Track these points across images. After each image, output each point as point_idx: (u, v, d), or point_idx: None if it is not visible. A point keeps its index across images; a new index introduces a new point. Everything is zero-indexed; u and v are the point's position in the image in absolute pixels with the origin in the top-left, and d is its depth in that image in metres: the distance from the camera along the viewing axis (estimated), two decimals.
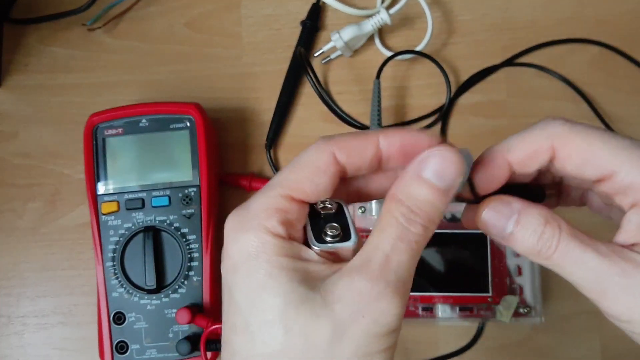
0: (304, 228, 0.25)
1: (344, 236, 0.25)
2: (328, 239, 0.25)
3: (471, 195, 0.26)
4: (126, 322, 0.44)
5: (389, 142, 0.25)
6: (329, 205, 0.25)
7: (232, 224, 0.24)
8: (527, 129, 0.26)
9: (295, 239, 0.25)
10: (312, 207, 0.25)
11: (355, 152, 0.25)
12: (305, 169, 0.25)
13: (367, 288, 0.22)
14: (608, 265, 0.23)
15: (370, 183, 0.27)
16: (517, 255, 0.46)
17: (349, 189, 0.27)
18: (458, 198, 0.26)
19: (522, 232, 0.25)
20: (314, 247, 0.24)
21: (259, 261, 0.23)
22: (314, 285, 0.23)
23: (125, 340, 0.44)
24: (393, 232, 0.23)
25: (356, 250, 0.24)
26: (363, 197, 0.28)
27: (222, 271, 0.24)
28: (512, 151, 0.26)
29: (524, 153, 0.26)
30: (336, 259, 0.25)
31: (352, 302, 0.22)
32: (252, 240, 0.23)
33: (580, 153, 0.25)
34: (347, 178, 0.26)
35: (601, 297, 0.24)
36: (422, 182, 0.24)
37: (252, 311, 0.23)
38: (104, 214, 0.45)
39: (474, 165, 0.26)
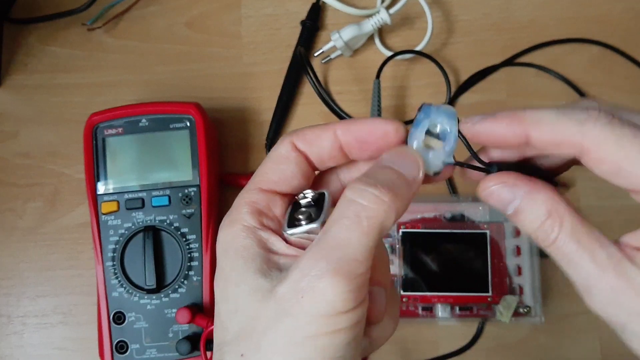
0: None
1: (314, 219, 0.25)
2: (298, 223, 0.25)
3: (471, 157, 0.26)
4: (126, 321, 0.44)
5: (345, 131, 0.26)
6: (310, 196, 0.26)
7: (221, 225, 0.26)
8: (564, 109, 0.24)
9: (270, 228, 0.25)
10: (294, 199, 0.26)
11: (313, 141, 0.26)
12: (270, 160, 0.26)
13: (308, 267, 0.22)
14: (599, 277, 0.23)
15: (351, 175, 0.28)
16: (517, 255, 0.46)
17: (337, 183, 0.28)
18: (460, 164, 0.26)
19: (522, 216, 0.24)
20: (285, 233, 0.25)
21: (227, 254, 0.24)
22: (275, 274, 0.23)
23: (125, 340, 0.44)
24: (339, 210, 0.23)
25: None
26: None
27: None
28: (536, 127, 0.24)
29: (548, 137, 0.24)
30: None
31: (292, 282, 0.22)
32: (225, 235, 0.25)
33: (614, 163, 0.22)
34: (328, 171, 0.28)
35: (586, 295, 0.24)
36: (380, 165, 0.24)
37: (221, 301, 0.24)
38: (104, 214, 0.45)
39: (487, 120, 0.25)
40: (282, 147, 0.26)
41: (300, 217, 0.25)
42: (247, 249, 0.24)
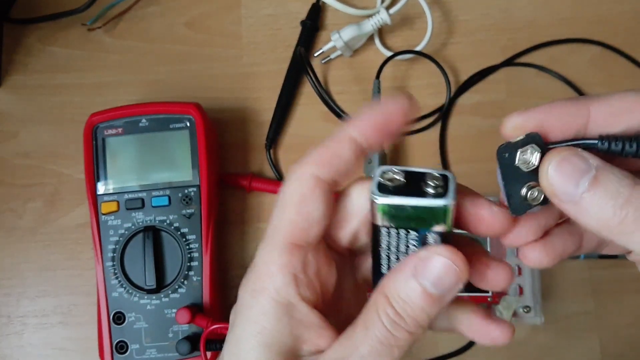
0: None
1: (442, 194, 0.21)
2: (412, 191, 0.21)
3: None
4: (126, 322, 0.44)
5: (362, 131, 0.23)
6: (396, 176, 0.22)
7: (245, 287, 0.24)
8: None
9: (307, 300, 0.23)
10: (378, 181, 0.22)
11: (334, 162, 0.23)
12: (291, 203, 0.23)
13: None
14: None
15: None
16: (517, 255, 0.46)
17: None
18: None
19: (598, 195, 0.20)
20: (375, 197, 0.22)
21: (247, 329, 0.23)
22: None
23: (125, 340, 0.44)
24: (375, 334, 0.21)
25: (445, 211, 0.21)
26: None
27: (230, 316, 0.24)
28: (598, 101, 0.22)
29: (612, 105, 0.22)
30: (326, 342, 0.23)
31: None
32: (250, 306, 0.23)
33: None
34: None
35: None
36: (417, 285, 0.21)
37: None
38: (104, 214, 0.45)
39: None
40: (302, 185, 0.23)
41: (430, 186, 0.21)
42: (274, 336, 0.22)
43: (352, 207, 0.24)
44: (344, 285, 0.25)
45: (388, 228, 0.22)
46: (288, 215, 0.23)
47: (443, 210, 0.21)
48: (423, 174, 0.22)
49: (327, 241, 0.24)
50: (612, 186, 0.20)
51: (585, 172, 0.20)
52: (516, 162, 0.22)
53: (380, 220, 0.22)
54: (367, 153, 0.23)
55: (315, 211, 0.23)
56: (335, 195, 0.24)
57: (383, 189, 0.22)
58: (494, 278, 0.24)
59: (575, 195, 0.20)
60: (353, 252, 0.26)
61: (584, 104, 0.22)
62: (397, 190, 0.22)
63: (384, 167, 0.22)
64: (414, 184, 0.22)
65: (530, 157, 0.22)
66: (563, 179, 0.20)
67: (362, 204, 0.24)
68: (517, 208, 0.23)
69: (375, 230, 0.23)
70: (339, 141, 0.23)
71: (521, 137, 0.22)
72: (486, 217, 0.23)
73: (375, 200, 0.22)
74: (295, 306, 0.22)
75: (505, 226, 0.23)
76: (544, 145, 0.22)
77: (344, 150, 0.23)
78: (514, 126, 0.23)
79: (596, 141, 0.22)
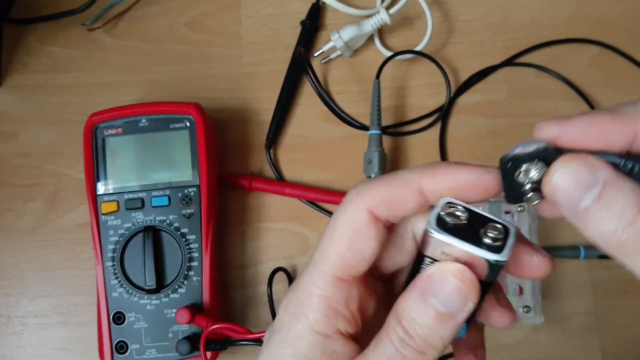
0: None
1: (498, 249, 0.21)
2: (466, 238, 0.21)
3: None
4: (126, 322, 0.44)
5: (433, 188, 0.22)
6: (458, 213, 0.21)
7: (284, 310, 0.24)
8: None
9: (346, 335, 0.23)
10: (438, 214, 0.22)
11: (396, 206, 0.22)
12: (344, 237, 0.22)
13: None
14: None
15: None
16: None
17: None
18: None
19: (601, 211, 0.19)
20: (430, 231, 0.21)
21: (280, 354, 0.23)
22: None
23: (125, 340, 0.44)
24: (384, 352, 0.21)
25: (495, 266, 0.21)
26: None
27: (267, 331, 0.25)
28: (622, 112, 0.20)
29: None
30: None
31: None
32: (286, 330, 0.23)
33: None
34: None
35: None
36: (425, 304, 0.21)
37: None
38: (104, 214, 0.45)
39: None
40: (358, 219, 0.22)
41: (488, 236, 0.21)
42: None
43: (408, 244, 0.24)
44: (382, 308, 0.25)
45: (433, 260, 0.22)
46: (338, 246, 0.22)
47: (495, 265, 0.21)
48: (486, 220, 0.21)
49: (371, 270, 0.24)
50: (617, 206, 0.18)
51: (591, 186, 0.19)
52: (517, 176, 0.21)
53: (429, 252, 0.22)
54: (428, 207, 0.23)
55: (366, 249, 0.22)
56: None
57: (441, 224, 0.21)
58: (496, 319, 0.25)
59: (578, 208, 0.19)
60: (394, 275, 0.26)
61: (632, 121, 0.20)
62: (455, 230, 0.21)
63: (449, 200, 0.22)
64: (473, 227, 0.21)
65: (533, 173, 0.21)
66: (566, 192, 0.19)
67: (417, 242, 0.24)
68: (514, 199, 0.22)
69: (419, 257, 0.23)
70: (409, 188, 0.22)
71: (529, 149, 0.21)
72: (526, 265, 0.23)
73: (430, 235, 0.21)
74: (332, 338, 0.23)
75: (542, 275, 0.23)
76: (554, 155, 0.20)
77: (410, 199, 0.22)
78: (548, 136, 0.21)
79: (618, 159, 0.20)
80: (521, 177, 0.21)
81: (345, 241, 0.22)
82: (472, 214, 0.22)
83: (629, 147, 0.20)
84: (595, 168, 0.19)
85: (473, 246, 0.21)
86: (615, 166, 0.20)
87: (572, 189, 0.19)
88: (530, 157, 0.21)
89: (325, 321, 0.22)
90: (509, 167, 0.21)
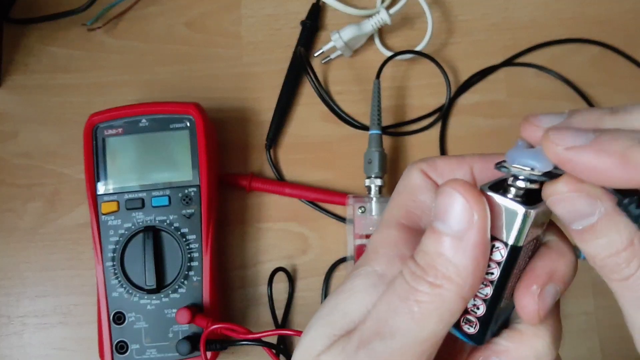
0: None
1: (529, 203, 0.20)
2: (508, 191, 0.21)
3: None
4: (126, 322, 0.44)
5: (482, 170, 0.23)
6: (530, 185, 0.20)
7: (362, 258, 0.24)
8: None
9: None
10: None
11: (445, 174, 0.24)
12: (405, 192, 0.24)
13: None
14: None
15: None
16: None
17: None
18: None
19: (593, 236, 0.19)
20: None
21: (353, 286, 0.23)
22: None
23: (125, 340, 0.44)
24: (395, 289, 0.20)
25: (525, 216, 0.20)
26: None
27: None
28: None
29: None
30: None
31: None
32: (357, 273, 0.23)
33: None
34: None
35: None
36: (432, 231, 0.20)
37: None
38: (104, 214, 0.45)
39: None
40: (415, 177, 0.24)
41: (517, 188, 0.21)
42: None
43: None
44: None
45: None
46: (403, 201, 0.24)
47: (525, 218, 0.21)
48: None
49: None
50: (605, 240, 0.19)
51: (586, 217, 0.19)
52: (508, 190, 0.21)
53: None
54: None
55: (427, 201, 0.24)
56: None
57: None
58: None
59: (571, 229, 0.20)
60: None
61: None
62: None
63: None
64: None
65: (527, 184, 0.21)
66: (561, 214, 0.20)
67: None
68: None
69: None
70: (460, 165, 0.24)
71: (524, 173, 0.21)
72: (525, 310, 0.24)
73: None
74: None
75: (537, 321, 0.24)
76: (550, 176, 0.20)
77: (459, 175, 0.24)
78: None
79: (621, 198, 0.19)
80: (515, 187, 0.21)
81: (407, 196, 0.24)
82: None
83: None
84: (596, 196, 0.19)
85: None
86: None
87: (566, 215, 0.20)
88: (525, 180, 0.21)
89: (390, 264, 0.23)
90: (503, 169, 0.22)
